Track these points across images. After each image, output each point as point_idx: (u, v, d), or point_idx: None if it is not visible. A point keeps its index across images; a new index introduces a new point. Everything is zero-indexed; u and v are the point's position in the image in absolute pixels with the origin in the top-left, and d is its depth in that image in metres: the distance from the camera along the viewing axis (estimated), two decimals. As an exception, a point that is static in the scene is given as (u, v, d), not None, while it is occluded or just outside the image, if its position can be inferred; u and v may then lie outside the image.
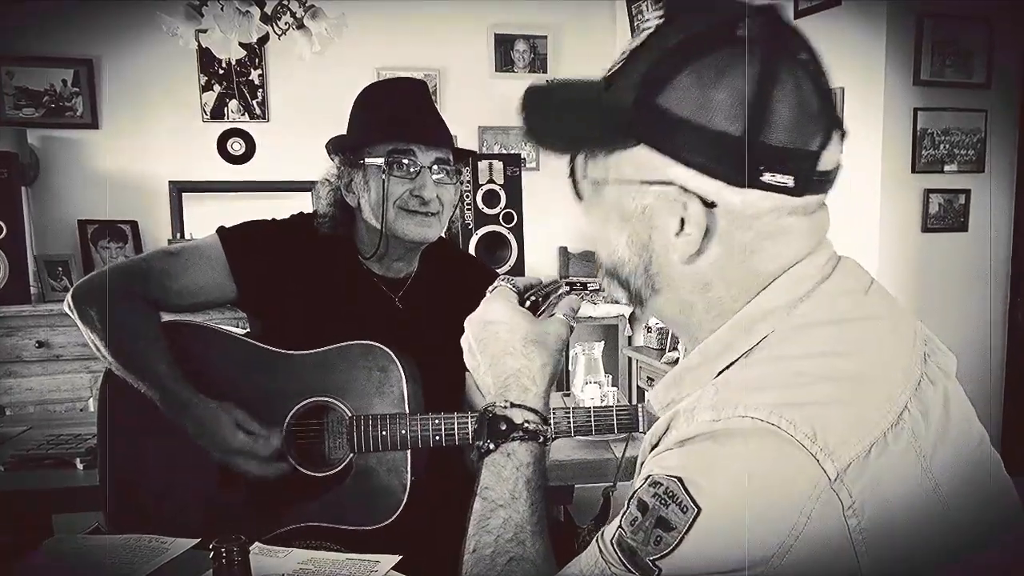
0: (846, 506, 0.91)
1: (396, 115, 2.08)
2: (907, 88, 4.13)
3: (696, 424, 0.98)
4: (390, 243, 2.12)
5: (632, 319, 5.76)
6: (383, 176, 2.03)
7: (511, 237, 5.39)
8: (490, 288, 1.32)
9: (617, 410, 2.03)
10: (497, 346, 1.24)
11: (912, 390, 1.00)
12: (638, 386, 5.54)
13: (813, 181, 1.01)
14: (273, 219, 2.21)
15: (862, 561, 0.91)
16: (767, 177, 0.98)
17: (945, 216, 4.29)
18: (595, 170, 1.10)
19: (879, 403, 0.97)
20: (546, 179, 6.13)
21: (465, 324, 1.30)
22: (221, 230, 2.14)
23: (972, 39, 4.20)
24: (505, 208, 5.26)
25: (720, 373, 1.05)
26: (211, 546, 1.14)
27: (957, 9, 4.17)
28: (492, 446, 1.18)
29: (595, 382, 3.22)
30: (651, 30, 1.04)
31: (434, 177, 2.08)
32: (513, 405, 1.19)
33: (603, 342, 3.43)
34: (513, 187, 5.30)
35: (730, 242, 1.03)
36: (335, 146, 2.13)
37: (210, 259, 2.10)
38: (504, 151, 6.09)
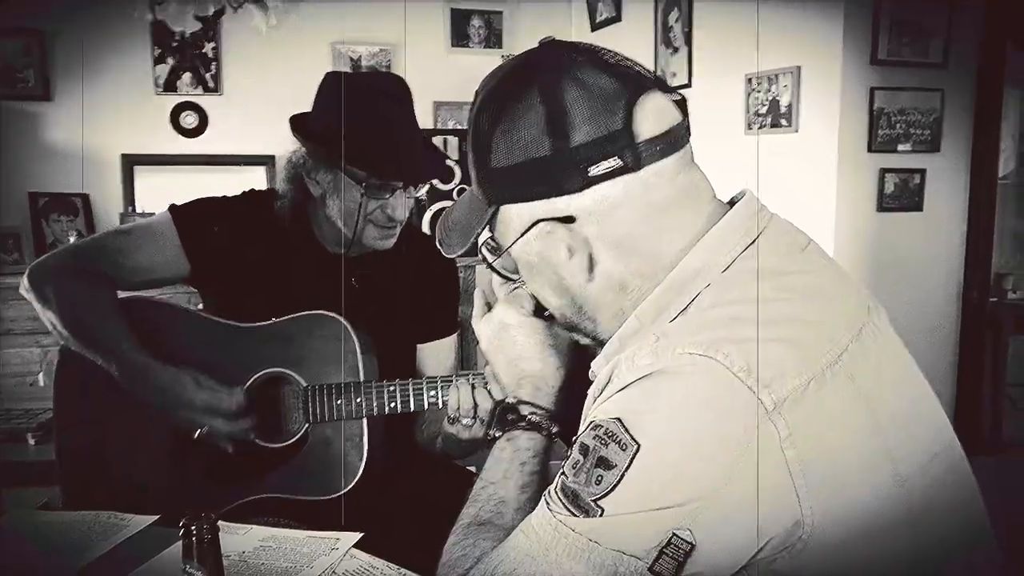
0: (782, 437, 0.94)
1: (390, 153, 2.01)
2: (864, 67, 4.14)
3: (637, 368, 1.01)
4: (352, 244, 2.11)
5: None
6: (361, 196, 2.00)
7: (465, 213, 5.36)
8: (507, 291, 1.39)
9: None
10: (515, 350, 1.34)
11: (854, 334, 1.06)
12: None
13: (642, 152, 1.05)
14: (225, 196, 2.19)
15: (801, 494, 0.95)
16: (594, 170, 1.05)
17: (900, 196, 4.33)
18: (494, 250, 1.21)
19: (819, 342, 1.02)
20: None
21: (481, 323, 1.39)
22: (173, 208, 2.13)
23: (929, 19, 4.22)
24: (459, 184, 5.23)
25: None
26: (181, 524, 1.13)
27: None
28: (498, 434, 1.30)
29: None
30: (470, 117, 1.16)
31: (405, 194, 2.06)
32: (522, 402, 1.30)
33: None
34: (468, 163, 5.25)
35: (614, 240, 1.10)
36: (305, 135, 2.07)
37: (162, 236, 2.09)
38: (459, 127, 6.05)
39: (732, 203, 1.16)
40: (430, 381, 1.97)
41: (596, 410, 1.03)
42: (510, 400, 1.31)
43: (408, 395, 1.97)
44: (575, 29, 6.28)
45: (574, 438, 1.04)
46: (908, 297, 4.36)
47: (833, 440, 0.97)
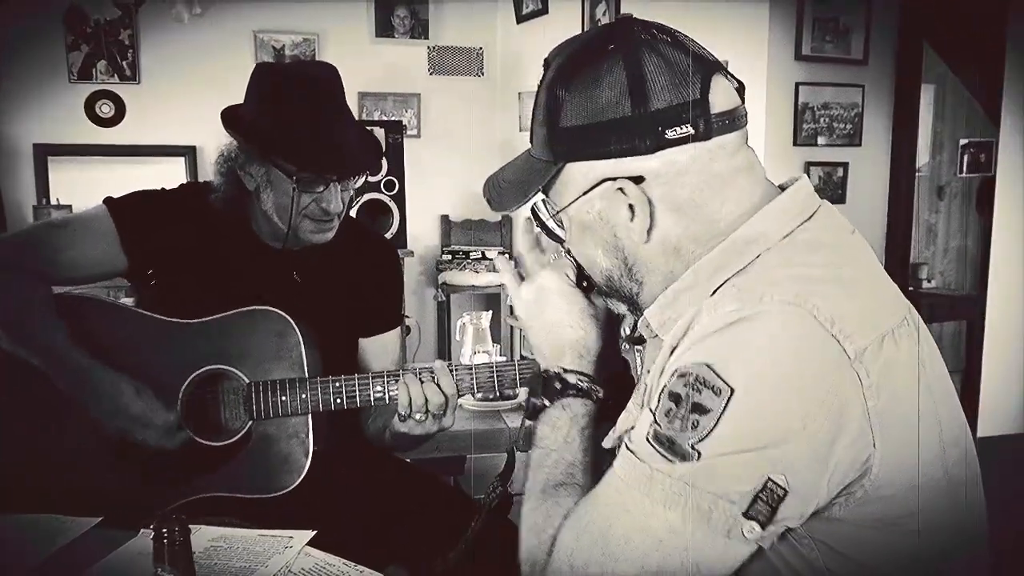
0: (865, 385, 1.00)
1: (321, 147, 1.99)
2: (789, 63, 4.23)
3: (720, 315, 1.05)
4: (289, 239, 2.09)
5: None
6: (293, 191, 1.98)
7: (392, 205, 5.36)
8: (551, 260, 1.41)
9: (519, 365, 2.02)
10: (556, 316, 1.36)
11: (907, 307, 1.13)
12: (522, 354, 5.56)
13: (714, 123, 1.12)
14: (163, 188, 2.16)
15: (877, 442, 1.01)
16: (670, 133, 1.11)
17: (824, 188, 4.42)
18: (550, 208, 1.26)
19: (885, 304, 1.10)
20: (427, 146, 6.11)
21: (522, 288, 1.41)
22: (109, 200, 2.08)
23: (851, 16, 4.33)
24: (387, 175, 5.21)
25: (715, 291, 1.13)
26: (153, 527, 1.14)
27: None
28: (548, 402, 1.33)
29: (484, 351, 3.22)
30: (539, 84, 1.21)
31: (339, 187, 2.04)
32: (567, 370, 1.34)
33: (491, 312, 3.44)
34: (394, 154, 5.25)
35: (675, 203, 1.15)
36: (235, 129, 2.04)
37: (99, 230, 2.04)
38: (384, 118, 6.02)
39: (781, 188, 1.22)
40: (376, 376, 1.97)
41: (679, 360, 1.07)
42: (554, 370, 1.34)
43: (354, 390, 1.96)
44: (500, 20, 6.28)
45: (658, 390, 1.08)
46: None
47: (900, 394, 1.04)
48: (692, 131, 1.11)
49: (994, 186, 3.86)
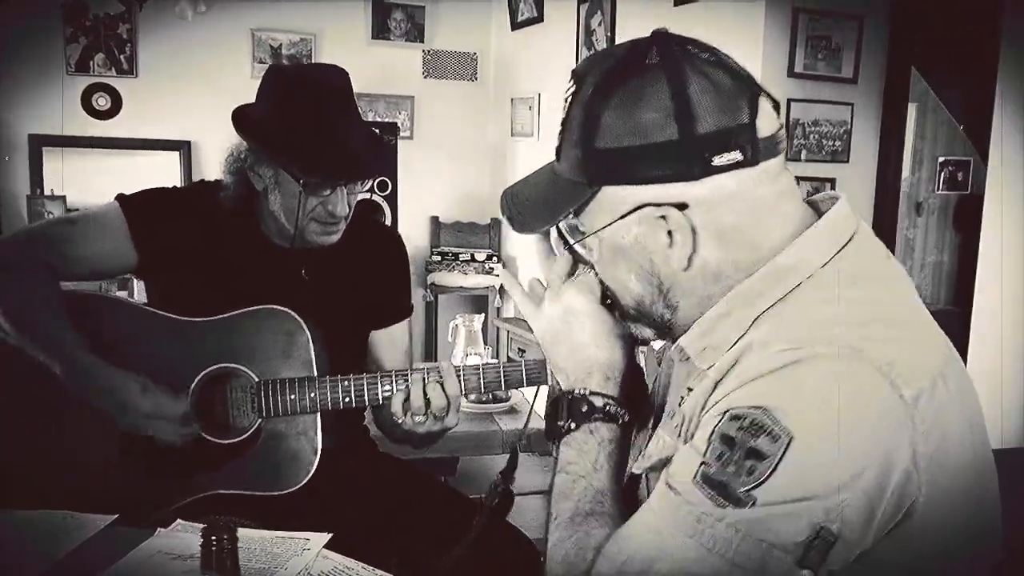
0: (918, 431, 0.98)
1: (327, 152, 2.00)
2: (782, 79, 4.27)
3: (772, 355, 1.02)
4: (296, 239, 2.11)
5: (503, 290, 5.82)
6: (299, 193, 2.00)
7: (385, 205, 5.39)
8: (568, 278, 1.35)
9: (526, 364, 2.03)
10: (583, 336, 1.29)
11: (946, 340, 1.12)
12: (509, 356, 5.60)
13: (760, 147, 1.07)
14: (175, 186, 2.18)
15: (923, 488, 1.00)
16: (717, 160, 1.06)
17: (813, 203, 4.48)
18: (580, 230, 1.20)
19: (932, 346, 1.08)
20: (420, 148, 6.14)
21: (543, 308, 1.34)
22: (121, 197, 2.08)
23: (842, 35, 4.38)
24: (379, 176, 5.23)
25: (755, 320, 1.10)
26: (202, 531, 1.13)
27: (830, 6, 4.34)
28: (574, 425, 1.26)
29: (475, 354, 3.26)
30: (568, 99, 1.15)
31: (346, 190, 2.06)
32: (594, 392, 1.27)
33: (483, 315, 3.47)
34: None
35: (719, 230, 1.11)
36: (244, 130, 2.06)
37: (110, 227, 2.05)
38: (378, 119, 6.06)
39: (810, 204, 1.20)
40: (384, 375, 1.98)
41: (728, 397, 1.04)
42: (580, 391, 1.28)
43: (363, 389, 1.97)
44: (495, 27, 6.34)
45: (704, 429, 1.05)
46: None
47: (948, 436, 1.02)
48: (741, 157, 1.06)
49: (970, 203, 3.89)
